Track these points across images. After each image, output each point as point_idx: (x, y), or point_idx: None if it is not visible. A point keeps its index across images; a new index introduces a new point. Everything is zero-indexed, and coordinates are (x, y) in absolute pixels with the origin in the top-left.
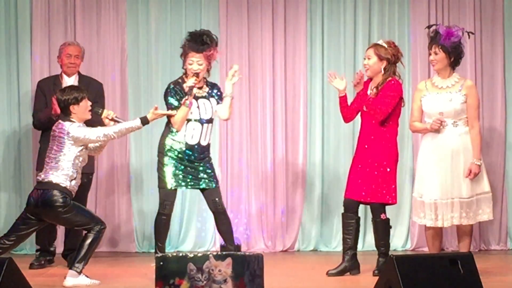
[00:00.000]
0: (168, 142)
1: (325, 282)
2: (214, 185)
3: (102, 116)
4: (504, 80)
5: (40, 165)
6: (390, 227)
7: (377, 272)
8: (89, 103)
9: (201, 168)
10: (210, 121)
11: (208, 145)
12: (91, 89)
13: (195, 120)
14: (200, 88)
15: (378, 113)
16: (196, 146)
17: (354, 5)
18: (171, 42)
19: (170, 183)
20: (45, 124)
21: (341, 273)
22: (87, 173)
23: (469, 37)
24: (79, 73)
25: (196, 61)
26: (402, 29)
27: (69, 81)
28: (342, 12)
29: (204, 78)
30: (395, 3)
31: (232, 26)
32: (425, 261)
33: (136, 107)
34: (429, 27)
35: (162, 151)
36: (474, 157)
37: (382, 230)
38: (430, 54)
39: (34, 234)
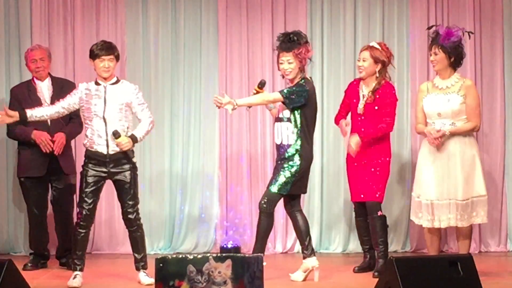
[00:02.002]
0: None
1: (325, 284)
2: (268, 188)
3: (117, 141)
4: (504, 81)
5: (20, 172)
6: (387, 226)
7: (376, 274)
8: (108, 63)
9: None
10: (278, 120)
11: (282, 145)
12: (65, 90)
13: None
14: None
15: (387, 128)
16: (276, 146)
17: (354, 6)
18: (171, 43)
19: None
20: (19, 140)
21: (366, 269)
22: (67, 175)
23: (469, 37)
24: (50, 76)
25: (286, 60)
26: (401, 30)
27: (43, 85)
28: (342, 14)
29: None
30: (395, 4)
31: (232, 27)
32: (425, 263)
33: None
34: (430, 28)
35: None
36: (451, 130)
37: (380, 226)
38: (430, 55)
39: (27, 239)
